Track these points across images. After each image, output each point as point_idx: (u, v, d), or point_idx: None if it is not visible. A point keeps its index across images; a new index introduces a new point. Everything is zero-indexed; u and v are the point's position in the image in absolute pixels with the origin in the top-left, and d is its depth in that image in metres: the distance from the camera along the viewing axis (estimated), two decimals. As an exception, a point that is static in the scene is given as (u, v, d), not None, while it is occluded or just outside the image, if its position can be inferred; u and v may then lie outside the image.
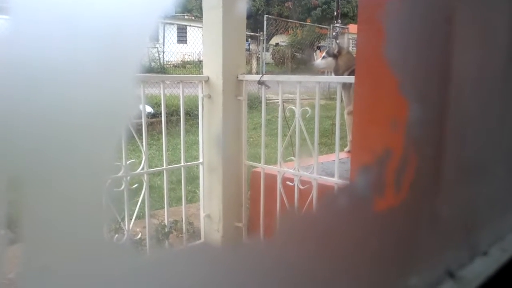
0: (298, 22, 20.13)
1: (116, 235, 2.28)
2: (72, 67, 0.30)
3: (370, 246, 0.54)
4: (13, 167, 0.29)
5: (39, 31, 0.29)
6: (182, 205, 2.61)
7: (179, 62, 15.35)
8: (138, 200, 2.35)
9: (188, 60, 15.06)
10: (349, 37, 17.99)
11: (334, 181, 2.20)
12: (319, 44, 19.43)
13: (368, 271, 0.54)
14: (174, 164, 2.70)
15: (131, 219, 2.30)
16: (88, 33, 0.30)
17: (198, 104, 2.65)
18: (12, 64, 0.28)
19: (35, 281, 0.30)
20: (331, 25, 15.56)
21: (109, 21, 0.31)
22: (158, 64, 13.26)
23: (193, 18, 17.49)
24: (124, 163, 2.24)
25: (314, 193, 2.27)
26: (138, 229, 2.37)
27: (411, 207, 0.59)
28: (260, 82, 2.54)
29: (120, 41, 0.32)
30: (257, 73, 10.84)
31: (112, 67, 0.32)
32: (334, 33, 15.01)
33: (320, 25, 19.16)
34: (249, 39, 14.67)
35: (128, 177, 2.29)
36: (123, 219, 2.27)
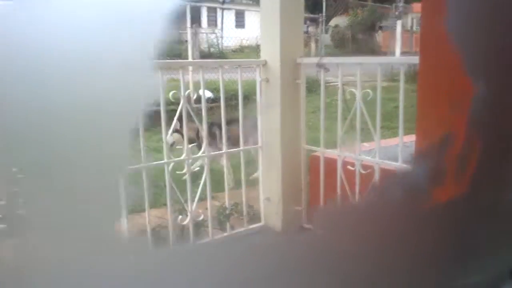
0: (358, 1, 19.53)
1: (180, 216, 2.37)
2: (83, 56, 0.30)
3: (428, 239, 0.52)
4: (37, 157, 0.30)
5: (53, 17, 0.29)
6: (242, 188, 2.65)
7: (237, 47, 15.46)
8: (200, 182, 2.43)
9: (246, 44, 15.11)
10: (412, 16, 17.18)
11: (397, 165, 2.13)
12: (381, 24, 18.74)
13: (424, 267, 0.52)
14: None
15: (194, 201, 2.38)
16: (100, 21, 0.31)
17: (256, 88, 2.66)
18: (27, 52, 0.29)
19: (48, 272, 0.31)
20: (394, 4, 14.87)
21: (121, 7, 0.32)
22: (217, 49, 13.44)
23: (250, 2, 17.48)
24: (185, 147, 2.33)
25: (376, 178, 2.22)
26: (200, 211, 2.44)
27: (473, 199, 0.55)
28: (319, 65, 2.50)
29: (132, 29, 0.32)
30: (316, 56, 10.67)
31: (124, 54, 0.32)
32: (396, 13, 14.36)
33: (382, 4, 18.45)
34: (308, 22, 14.43)
35: (190, 160, 2.38)
36: (186, 201, 2.35)
